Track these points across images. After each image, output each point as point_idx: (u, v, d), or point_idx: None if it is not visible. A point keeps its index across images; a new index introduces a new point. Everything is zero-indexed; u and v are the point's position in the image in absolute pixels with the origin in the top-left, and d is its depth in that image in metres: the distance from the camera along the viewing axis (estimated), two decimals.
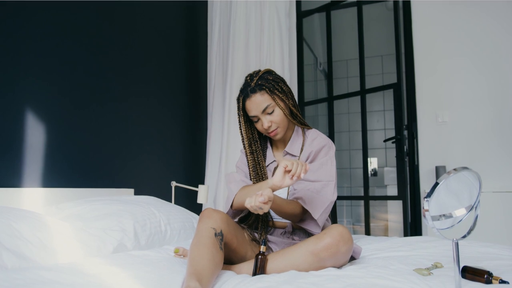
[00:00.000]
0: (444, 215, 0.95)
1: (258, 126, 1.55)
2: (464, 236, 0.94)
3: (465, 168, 0.92)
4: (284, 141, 1.65)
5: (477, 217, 0.96)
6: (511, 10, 3.00)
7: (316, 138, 1.60)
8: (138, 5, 2.64)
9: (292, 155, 1.60)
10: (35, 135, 1.86)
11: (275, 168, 1.64)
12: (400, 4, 3.17)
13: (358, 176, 5.03)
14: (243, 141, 1.60)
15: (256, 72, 1.56)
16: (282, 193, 1.57)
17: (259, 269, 1.26)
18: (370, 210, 3.28)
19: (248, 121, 1.61)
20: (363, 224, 3.41)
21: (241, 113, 1.57)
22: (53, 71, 1.97)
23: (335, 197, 1.48)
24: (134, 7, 2.59)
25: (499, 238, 2.69)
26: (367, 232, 3.19)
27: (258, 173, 1.60)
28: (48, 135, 1.93)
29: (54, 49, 1.99)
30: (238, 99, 1.56)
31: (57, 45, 2.00)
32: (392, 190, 3.87)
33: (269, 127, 1.52)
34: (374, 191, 4.67)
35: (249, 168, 1.61)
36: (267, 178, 1.60)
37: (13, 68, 1.78)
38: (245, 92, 1.52)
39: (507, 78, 2.98)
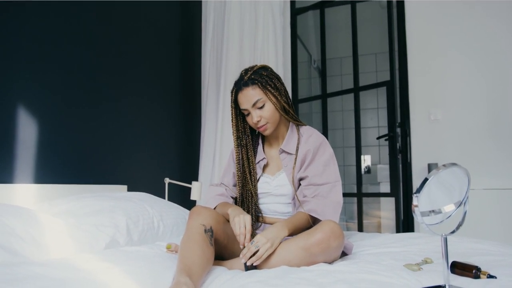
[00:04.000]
0: (433, 211, 0.96)
1: (249, 120, 1.56)
2: (452, 232, 0.95)
3: (454, 164, 0.92)
4: (277, 138, 1.66)
5: (465, 213, 0.97)
6: (505, 9, 3.02)
7: (312, 135, 1.61)
8: (133, 5, 2.63)
9: (288, 153, 1.60)
10: (28, 132, 1.86)
11: (265, 166, 1.64)
12: (394, 3, 3.18)
13: (351, 173, 5.04)
14: (233, 134, 1.61)
15: (252, 67, 1.57)
16: (286, 196, 1.58)
17: (250, 266, 1.27)
18: (363, 207, 3.29)
19: (240, 115, 1.62)
20: (356, 221, 3.42)
21: (233, 106, 1.59)
22: (46, 69, 1.96)
23: (342, 198, 1.52)
24: (129, 7, 2.58)
25: (489, 234, 2.72)
26: (360, 229, 3.21)
27: (244, 169, 1.60)
28: (41, 131, 1.92)
29: (48, 47, 1.98)
30: (231, 92, 1.57)
31: (50, 43, 1.99)
32: (385, 187, 3.89)
33: (258, 121, 1.53)
34: (367, 188, 4.69)
35: (235, 163, 1.62)
36: (255, 174, 1.62)
37: (6, 66, 1.77)
38: (238, 85, 1.54)
39: (500, 76, 3.00)
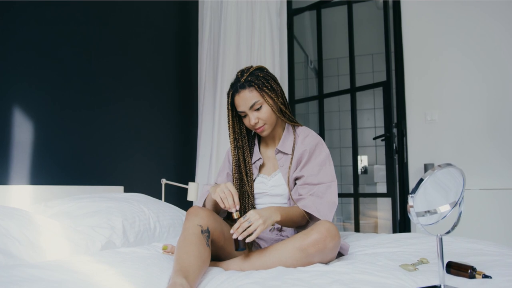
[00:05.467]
0: (429, 211, 0.96)
1: (246, 121, 1.56)
2: (448, 232, 0.95)
3: (449, 164, 0.93)
4: (274, 138, 1.66)
5: (461, 213, 0.97)
6: (501, 9, 3.03)
7: (308, 135, 1.61)
8: (130, 6, 2.62)
9: (284, 153, 1.61)
10: (23, 133, 1.85)
11: (261, 166, 1.65)
12: (390, 3, 3.19)
13: (348, 173, 5.05)
14: (230, 136, 1.61)
15: (248, 68, 1.56)
16: (281, 196, 1.58)
17: (241, 242, 1.27)
18: (360, 208, 3.30)
19: (236, 116, 1.62)
20: (353, 221, 3.43)
21: (230, 108, 1.58)
22: (42, 71, 1.96)
23: (337, 199, 1.52)
24: (126, 8, 2.58)
25: (485, 234, 2.73)
26: (357, 229, 3.21)
27: (241, 170, 1.61)
28: (37, 133, 1.91)
29: (44, 49, 1.97)
30: (228, 94, 1.57)
31: (46, 45, 1.98)
32: (382, 188, 3.90)
33: (256, 123, 1.53)
34: (364, 188, 4.70)
35: (232, 164, 1.62)
36: (252, 175, 1.62)
37: (2, 67, 1.77)
38: (235, 87, 1.53)
39: (496, 77, 3.01)
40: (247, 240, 1.25)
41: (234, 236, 1.26)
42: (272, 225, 1.56)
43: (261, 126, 1.54)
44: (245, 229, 1.26)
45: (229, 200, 1.33)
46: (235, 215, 1.33)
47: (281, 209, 1.39)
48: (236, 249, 1.28)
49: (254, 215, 1.28)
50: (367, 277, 1.06)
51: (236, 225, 1.27)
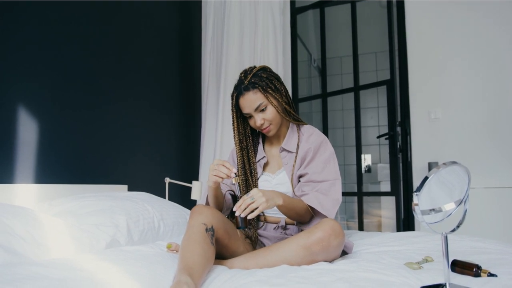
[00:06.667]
0: (433, 209, 0.96)
1: (251, 122, 1.56)
2: (453, 230, 0.95)
3: (454, 162, 0.92)
4: (278, 137, 1.66)
5: (466, 211, 0.97)
6: (505, 8, 3.01)
7: (313, 134, 1.61)
8: (132, 5, 2.62)
9: (289, 152, 1.61)
10: (28, 132, 1.86)
11: (266, 164, 1.65)
12: (394, 2, 3.18)
13: (352, 172, 5.04)
14: (234, 138, 1.61)
15: (251, 69, 1.56)
16: (287, 193, 1.57)
17: (243, 220, 1.27)
18: (364, 206, 3.29)
19: (241, 117, 1.62)
20: (356, 220, 3.42)
21: (234, 110, 1.58)
22: (46, 70, 1.96)
23: (341, 197, 1.53)
24: (128, 7, 2.58)
25: (490, 233, 2.71)
26: (361, 228, 3.21)
27: (246, 170, 1.61)
28: (41, 132, 1.92)
29: (47, 48, 1.97)
30: (232, 96, 1.56)
31: (50, 44, 1.99)
32: (386, 186, 3.89)
33: (262, 124, 1.53)
34: (367, 187, 4.69)
35: (237, 165, 1.62)
36: (256, 173, 1.62)
37: (6, 67, 1.77)
38: (239, 90, 1.53)
39: (500, 75, 3.00)
40: (249, 217, 1.26)
41: (237, 214, 1.26)
42: (277, 224, 1.57)
43: (267, 127, 1.54)
44: (248, 206, 1.26)
45: (223, 169, 1.34)
46: (234, 180, 1.34)
47: (284, 195, 1.40)
48: (238, 227, 1.29)
49: (257, 193, 1.29)
50: (371, 275, 1.06)
51: (239, 202, 1.27)
